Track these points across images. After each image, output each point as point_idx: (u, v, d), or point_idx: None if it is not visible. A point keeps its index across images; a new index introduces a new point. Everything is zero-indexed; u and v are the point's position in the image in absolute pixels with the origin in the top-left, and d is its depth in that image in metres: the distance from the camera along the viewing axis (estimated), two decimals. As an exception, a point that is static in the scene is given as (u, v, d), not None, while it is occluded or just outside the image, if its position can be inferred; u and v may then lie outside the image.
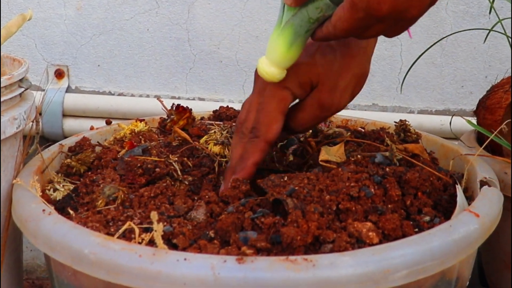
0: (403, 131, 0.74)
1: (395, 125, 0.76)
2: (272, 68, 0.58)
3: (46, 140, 1.19)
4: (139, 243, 0.49)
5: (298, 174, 0.58)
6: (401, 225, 0.51)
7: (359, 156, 0.61)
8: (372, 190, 0.54)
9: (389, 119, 0.95)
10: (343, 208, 0.52)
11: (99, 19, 1.19)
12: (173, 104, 0.84)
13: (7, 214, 0.67)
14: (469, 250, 0.50)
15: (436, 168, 0.64)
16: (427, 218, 0.53)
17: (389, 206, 0.54)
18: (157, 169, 0.64)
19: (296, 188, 0.53)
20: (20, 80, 0.70)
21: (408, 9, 0.49)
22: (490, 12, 0.92)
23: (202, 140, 0.73)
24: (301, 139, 0.71)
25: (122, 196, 0.58)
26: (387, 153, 0.61)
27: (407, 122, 0.76)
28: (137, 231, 0.49)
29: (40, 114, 1.14)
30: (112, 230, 0.52)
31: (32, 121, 0.73)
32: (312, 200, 0.52)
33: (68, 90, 1.22)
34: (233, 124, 0.76)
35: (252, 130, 0.62)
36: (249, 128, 0.62)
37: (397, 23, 0.51)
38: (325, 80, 0.60)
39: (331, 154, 0.64)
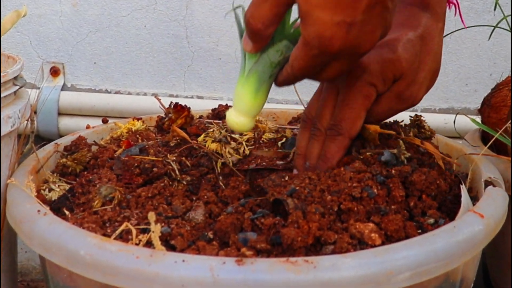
0: (417, 126, 0.73)
1: (409, 119, 0.74)
2: (241, 118, 0.59)
3: (41, 139, 1.19)
4: (136, 244, 0.49)
5: (299, 173, 0.58)
6: (404, 226, 0.51)
7: (368, 153, 0.61)
8: (375, 190, 0.53)
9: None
10: (345, 208, 0.52)
11: (95, 15, 1.19)
12: (171, 102, 0.84)
13: (2, 215, 0.67)
14: (474, 252, 0.50)
15: (447, 171, 0.64)
16: (431, 221, 0.53)
17: (392, 207, 0.54)
18: (155, 169, 0.64)
19: (297, 188, 0.53)
20: (15, 78, 0.70)
21: (360, 44, 0.51)
22: (495, 9, 0.92)
23: (200, 139, 0.72)
24: None
25: (119, 196, 0.58)
26: (395, 151, 0.61)
27: (422, 118, 0.74)
28: (134, 232, 0.49)
29: (35, 112, 1.14)
30: (108, 231, 0.52)
31: (27, 120, 0.73)
32: (313, 201, 0.52)
33: (64, 88, 1.22)
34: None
35: (333, 127, 0.62)
36: (327, 124, 0.62)
37: (351, 58, 0.54)
38: (407, 74, 0.62)
39: None
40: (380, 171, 0.57)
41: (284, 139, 0.72)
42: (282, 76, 0.58)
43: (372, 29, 0.51)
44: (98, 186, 0.59)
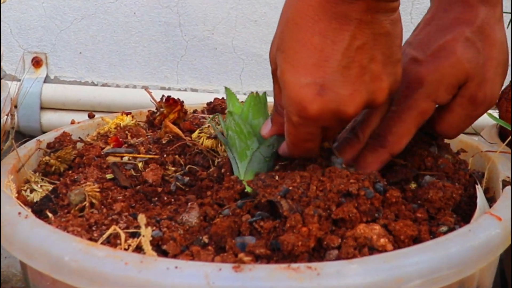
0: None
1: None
2: None
3: (22, 136, 1.19)
4: (125, 249, 0.49)
5: (290, 172, 0.57)
6: (418, 230, 0.51)
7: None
8: (372, 191, 0.53)
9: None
10: (343, 213, 0.51)
11: (80, 1, 1.19)
12: (163, 95, 0.84)
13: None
14: (490, 257, 0.50)
15: (462, 170, 0.64)
16: (444, 229, 0.53)
17: (392, 208, 0.54)
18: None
19: (290, 188, 0.53)
20: (-7, 69, 0.70)
21: (340, 107, 0.51)
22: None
23: (194, 135, 0.72)
24: None
25: (94, 202, 0.57)
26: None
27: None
28: (123, 236, 0.49)
29: (16, 106, 1.14)
30: (95, 235, 0.51)
31: (7, 115, 0.73)
32: (309, 201, 0.52)
33: (47, 80, 1.22)
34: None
35: (377, 136, 0.61)
36: (370, 133, 0.61)
37: (339, 122, 0.53)
38: (473, 75, 0.60)
39: None
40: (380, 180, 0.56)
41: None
42: (284, 152, 0.60)
43: (351, 92, 0.51)
44: (68, 193, 0.58)
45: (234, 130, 0.60)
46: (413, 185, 0.61)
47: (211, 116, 0.80)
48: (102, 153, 0.70)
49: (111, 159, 0.67)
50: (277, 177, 0.56)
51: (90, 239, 0.50)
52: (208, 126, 0.74)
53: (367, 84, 0.51)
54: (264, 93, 0.63)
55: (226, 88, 0.66)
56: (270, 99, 0.62)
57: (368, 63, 0.51)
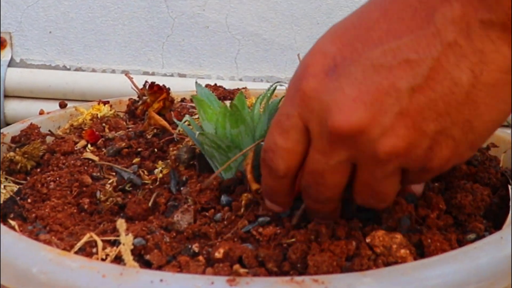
0: None
1: None
2: None
3: (-17, 128, 1.19)
4: (103, 259, 0.49)
5: None
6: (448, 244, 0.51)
7: None
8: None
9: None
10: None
11: (50, -28, 1.19)
12: (146, 81, 0.84)
13: None
14: (526, 268, 0.50)
15: (492, 168, 0.64)
16: (473, 236, 0.53)
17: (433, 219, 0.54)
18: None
19: None
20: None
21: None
22: None
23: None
24: None
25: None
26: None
27: None
28: (100, 244, 0.49)
29: (-25, 94, 1.14)
30: (68, 243, 0.51)
31: (-35, 104, 0.73)
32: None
33: (11, 63, 1.22)
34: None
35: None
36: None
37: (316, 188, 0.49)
38: None
39: None
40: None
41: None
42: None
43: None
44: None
45: (210, 146, 0.60)
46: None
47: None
48: (76, 148, 0.70)
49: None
50: None
51: (63, 248, 0.50)
52: (198, 117, 0.74)
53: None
54: (241, 93, 0.62)
55: (196, 84, 0.66)
56: (261, 87, 0.62)
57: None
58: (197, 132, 0.60)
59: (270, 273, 0.47)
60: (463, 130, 0.44)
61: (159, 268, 0.48)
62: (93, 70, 1.23)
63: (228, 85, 1.00)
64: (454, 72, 0.42)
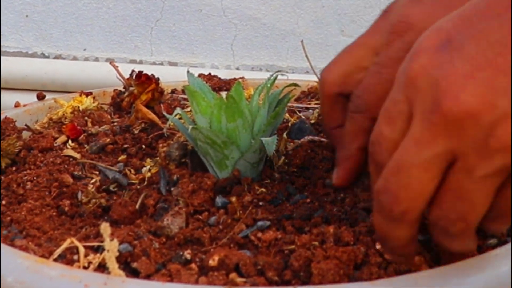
0: None
1: None
2: None
3: (-47, 122, 1.19)
4: (85, 267, 0.49)
5: None
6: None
7: None
8: None
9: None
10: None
11: (27, -51, 1.19)
12: (133, 70, 0.83)
13: None
14: (552, 277, 0.50)
15: None
16: (494, 242, 0.53)
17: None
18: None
19: None
20: None
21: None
22: None
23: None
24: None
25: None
26: None
27: None
28: (82, 250, 0.49)
29: None
30: (47, 249, 0.51)
31: None
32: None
33: (-16, 51, 1.22)
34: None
35: None
36: None
37: None
38: None
39: None
40: None
41: (289, 125, 0.72)
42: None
43: None
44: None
45: (204, 142, 0.60)
46: None
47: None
48: (55, 144, 0.70)
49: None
50: None
51: (41, 255, 0.50)
52: (191, 111, 0.74)
53: None
54: (238, 83, 0.62)
55: (188, 73, 0.65)
56: (259, 76, 0.61)
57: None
58: (190, 127, 0.59)
59: (270, 283, 0.47)
60: None
61: (148, 277, 0.48)
62: (74, 58, 1.23)
63: (223, 74, 1.00)
64: None
